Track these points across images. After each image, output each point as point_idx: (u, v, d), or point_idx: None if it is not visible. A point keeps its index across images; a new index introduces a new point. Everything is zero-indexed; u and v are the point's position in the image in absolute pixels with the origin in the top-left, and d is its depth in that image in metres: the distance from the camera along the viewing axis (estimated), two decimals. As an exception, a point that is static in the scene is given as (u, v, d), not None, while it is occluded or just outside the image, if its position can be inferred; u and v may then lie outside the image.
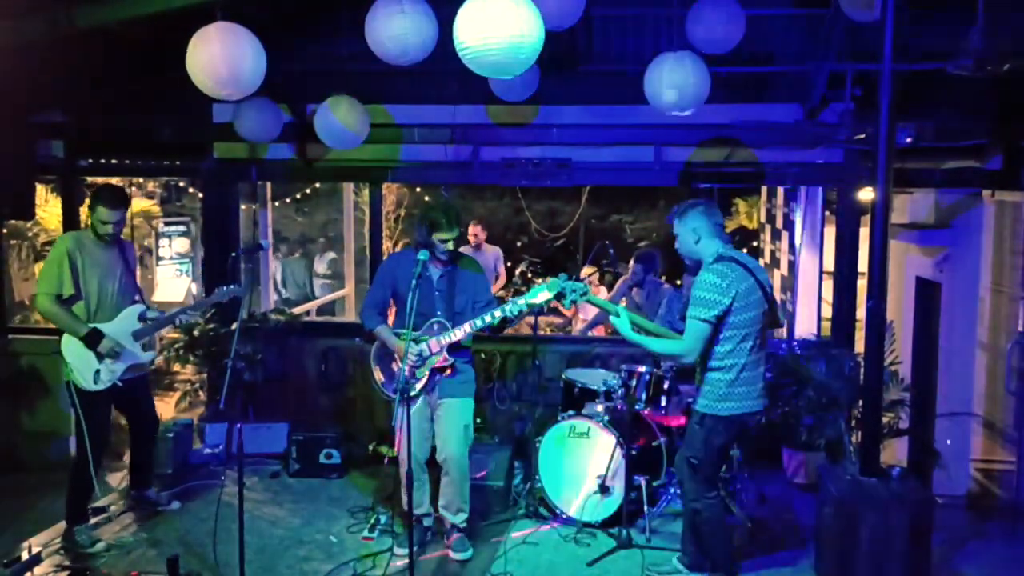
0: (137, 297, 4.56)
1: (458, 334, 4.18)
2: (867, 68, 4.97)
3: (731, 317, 3.66)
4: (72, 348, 4.29)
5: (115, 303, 4.43)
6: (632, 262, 6.44)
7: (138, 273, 4.72)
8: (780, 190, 7.68)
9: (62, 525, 4.67)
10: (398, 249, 8.53)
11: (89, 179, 6.85)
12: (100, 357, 4.31)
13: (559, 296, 3.94)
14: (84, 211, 6.62)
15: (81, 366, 4.31)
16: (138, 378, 4.56)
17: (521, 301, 4.08)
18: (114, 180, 7.52)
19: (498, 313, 4.11)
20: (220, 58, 3.70)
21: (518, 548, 4.51)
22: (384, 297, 4.42)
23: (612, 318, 3.88)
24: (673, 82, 4.28)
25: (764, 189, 8.37)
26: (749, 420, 3.82)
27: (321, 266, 11.61)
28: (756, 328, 3.73)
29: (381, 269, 4.53)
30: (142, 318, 4.47)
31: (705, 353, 3.74)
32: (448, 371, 4.28)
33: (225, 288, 4.47)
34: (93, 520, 4.76)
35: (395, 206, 10.13)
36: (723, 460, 4.07)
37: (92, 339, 4.26)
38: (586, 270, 9.07)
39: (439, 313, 4.26)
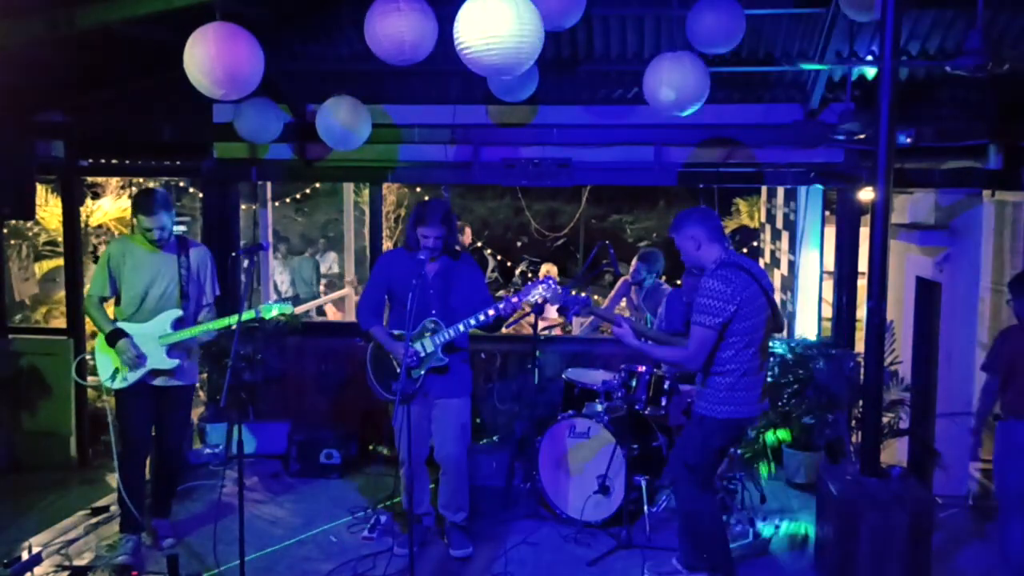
0: (186, 303, 4.39)
1: (452, 333, 4.18)
2: (867, 68, 4.98)
3: (735, 324, 3.65)
4: (100, 345, 4.38)
5: (156, 307, 4.36)
6: (635, 260, 6.44)
7: (208, 282, 4.52)
8: (780, 190, 7.68)
9: (62, 525, 4.69)
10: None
11: (89, 179, 6.86)
12: (120, 356, 4.30)
13: (561, 310, 3.94)
14: (84, 211, 6.63)
15: (103, 362, 4.37)
16: (174, 390, 4.43)
17: (515, 299, 4.09)
18: (114, 180, 7.54)
19: (492, 311, 4.11)
20: (216, 58, 3.70)
21: (518, 548, 4.51)
22: (380, 296, 4.42)
23: (615, 328, 3.88)
24: (671, 82, 4.27)
25: (764, 189, 8.36)
26: (748, 424, 3.83)
27: (323, 266, 11.63)
28: (759, 334, 3.73)
29: (376, 268, 4.53)
30: (175, 326, 4.35)
31: (708, 357, 3.74)
32: (444, 371, 4.28)
33: (269, 304, 4.32)
34: (94, 520, 4.78)
35: (395, 206, 10.12)
36: (720, 462, 4.08)
37: (112, 337, 4.28)
38: (545, 267, 9.18)
39: (433, 312, 4.25)
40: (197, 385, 4.89)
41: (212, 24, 3.74)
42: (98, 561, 4.28)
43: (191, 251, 4.48)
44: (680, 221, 3.87)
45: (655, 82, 4.34)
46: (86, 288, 4.49)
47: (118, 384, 4.33)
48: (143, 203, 4.31)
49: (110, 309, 4.46)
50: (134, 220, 4.37)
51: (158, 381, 4.37)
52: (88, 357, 4.58)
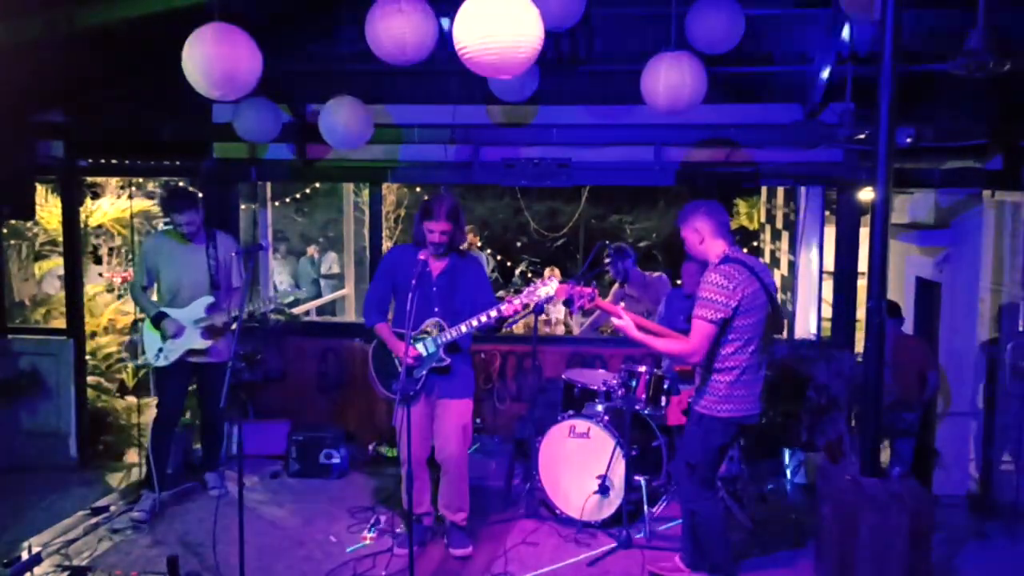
0: (216, 291, 4.92)
1: (455, 334, 4.17)
2: (867, 68, 4.97)
3: (736, 321, 3.65)
4: (148, 327, 4.96)
5: (190, 294, 4.91)
6: (605, 260, 6.47)
7: (234, 268, 5.06)
8: (780, 190, 7.68)
9: (62, 525, 4.69)
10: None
11: (89, 179, 6.85)
12: (164, 337, 4.87)
13: (567, 302, 3.93)
14: (84, 211, 6.63)
15: (149, 343, 4.94)
16: (211, 367, 4.96)
17: (517, 301, 4.07)
18: (114, 180, 7.54)
19: (494, 312, 4.09)
20: (214, 59, 3.70)
21: (518, 548, 4.51)
22: (384, 293, 4.41)
23: (615, 320, 3.88)
24: (669, 82, 4.27)
25: (764, 189, 8.37)
26: (747, 422, 3.83)
27: (323, 266, 11.64)
28: (759, 332, 3.73)
29: (381, 265, 4.51)
30: (208, 310, 4.89)
31: (708, 354, 3.74)
32: (446, 371, 4.28)
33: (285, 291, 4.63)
34: (94, 520, 4.78)
35: (395, 206, 10.12)
36: (721, 461, 4.08)
37: (157, 319, 4.87)
38: (548, 271, 9.23)
39: (437, 311, 4.24)
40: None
41: (210, 25, 3.73)
42: (97, 561, 4.28)
43: (219, 241, 5.02)
44: (687, 212, 3.86)
45: (653, 82, 4.33)
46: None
47: (161, 362, 4.91)
48: (173, 202, 4.88)
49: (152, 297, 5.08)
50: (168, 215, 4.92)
51: (195, 359, 4.93)
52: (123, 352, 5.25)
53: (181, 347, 4.88)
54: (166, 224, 4.98)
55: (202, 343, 4.90)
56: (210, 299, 4.91)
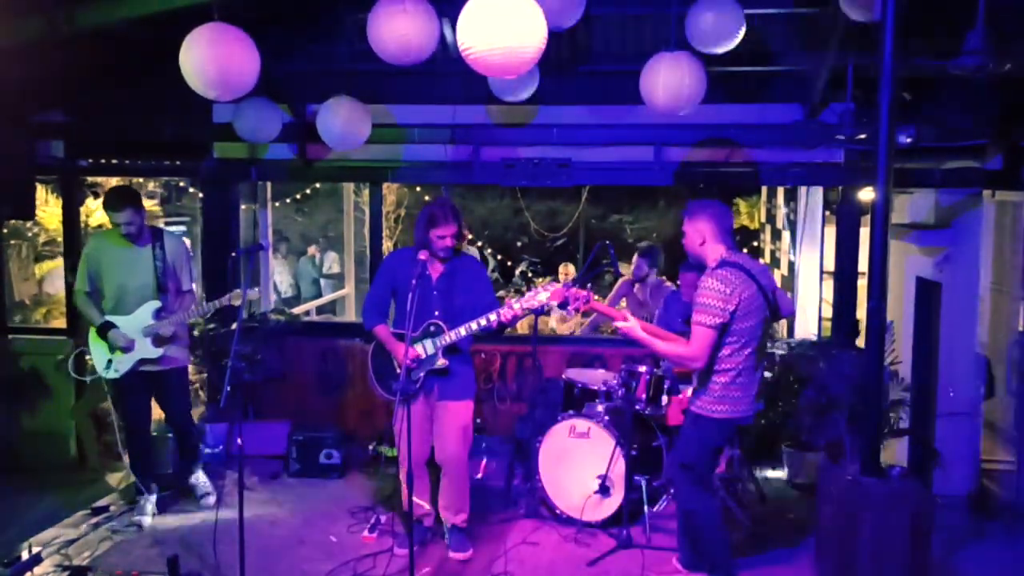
0: (163, 295, 4.67)
1: (453, 337, 4.17)
2: (866, 68, 4.97)
3: (734, 324, 3.65)
4: (93, 337, 4.69)
5: (136, 299, 4.63)
6: (636, 256, 6.44)
7: (183, 270, 4.81)
8: (780, 190, 7.68)
9: (62, 525, 4.69)
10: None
11: (89, 179, 6.85)
12: (112, 348, 4.60)
13: (562, 305, 3.92)
14: (84, 211, 6.63)
15: (97, 354, 4.67)
16: (164, 373, 4.74)
17: (517, 305, 4.07)
18: (114, 180, 7.55)
19: (493, 316, 4.08)
20: (211, 59, 3.70)
21: (518, 548, 4.51)
22: (384, 296, 4.41)
23: (619, 324, 3.85)
24: (668, 82, 4.26)
25: (764, 189, 8.37)
26: (743, 423, 3.83)
27: (324, 266, 11.63)
28: (757, 335, 3.73)
29: (381, 268, 4.52)
30: (156, 316, 4.63)
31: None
32: (445, 373, 4.28)
33: (238, 291, 4.48)
34: (94, 520, 4.78)
35: (395, 206, 10.12)
36: (717, 461, 4.08)
37: (103, 330, 4.59)
38: (563, 269, 9.22)
39: (437, 314, 4.24)
40: (190, 367, 5.17)
41: (207, 25, 3.73)
42: (98, 561, 4.28)
43: (166, 242, 4.71)
44: (694, 210, 3.82)
45: (652, 82, 4.33)
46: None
47: (111, 374, 4.67)
48: (109, 200, 4.58)
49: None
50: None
51: (148, 367, 4.67)
52: (88, 356, 4.77)
53: (132, 358, 4.62)
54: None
55: (154, 351, 4.63)
56: (157, 304, 4.63)
